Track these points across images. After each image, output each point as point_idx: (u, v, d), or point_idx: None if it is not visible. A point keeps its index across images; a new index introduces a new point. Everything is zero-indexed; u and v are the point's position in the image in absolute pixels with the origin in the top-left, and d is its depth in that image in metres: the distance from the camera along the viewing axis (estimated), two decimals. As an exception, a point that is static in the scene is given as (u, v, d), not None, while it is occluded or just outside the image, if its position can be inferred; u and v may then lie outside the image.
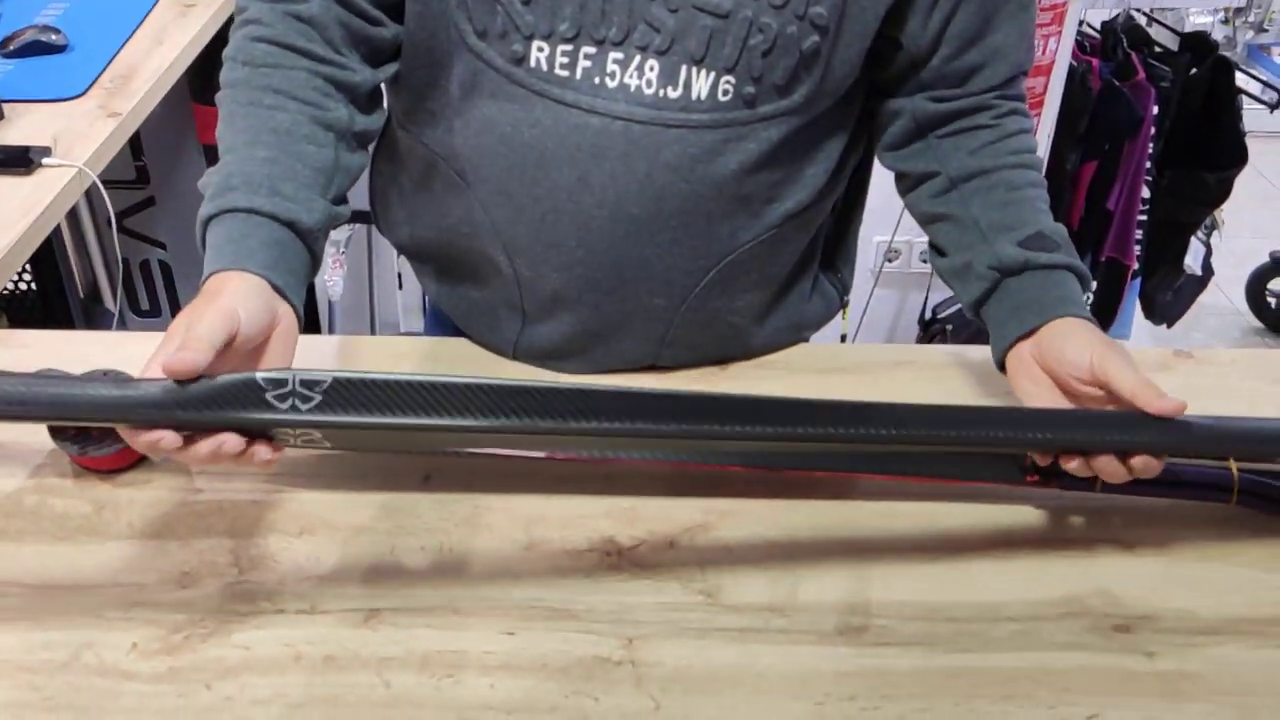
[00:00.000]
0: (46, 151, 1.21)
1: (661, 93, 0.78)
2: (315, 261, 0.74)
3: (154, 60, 1.45)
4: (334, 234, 1.80)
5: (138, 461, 0.79)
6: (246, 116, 0.75)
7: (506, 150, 0.82)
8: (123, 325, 1.89)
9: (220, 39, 1.73)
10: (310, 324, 2.20)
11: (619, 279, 0.85)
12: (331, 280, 1.76)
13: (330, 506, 0.77)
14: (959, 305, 2.20)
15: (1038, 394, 0.76)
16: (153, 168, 2.01)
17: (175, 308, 2.21)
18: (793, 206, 0.86)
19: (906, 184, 0.89)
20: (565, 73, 0.78)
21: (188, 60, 1.52)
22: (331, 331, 1.89)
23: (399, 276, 2.04)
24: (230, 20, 0.81)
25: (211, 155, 1.97)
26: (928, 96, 0.84)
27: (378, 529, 0.76)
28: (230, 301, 0.65)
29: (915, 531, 0.77)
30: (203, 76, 1.84)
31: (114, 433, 0.77)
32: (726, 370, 0.93)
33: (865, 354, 0.97)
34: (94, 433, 0.77)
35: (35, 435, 0.79)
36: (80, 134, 1.27)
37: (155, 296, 2.19)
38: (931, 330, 2.17)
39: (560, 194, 0.81)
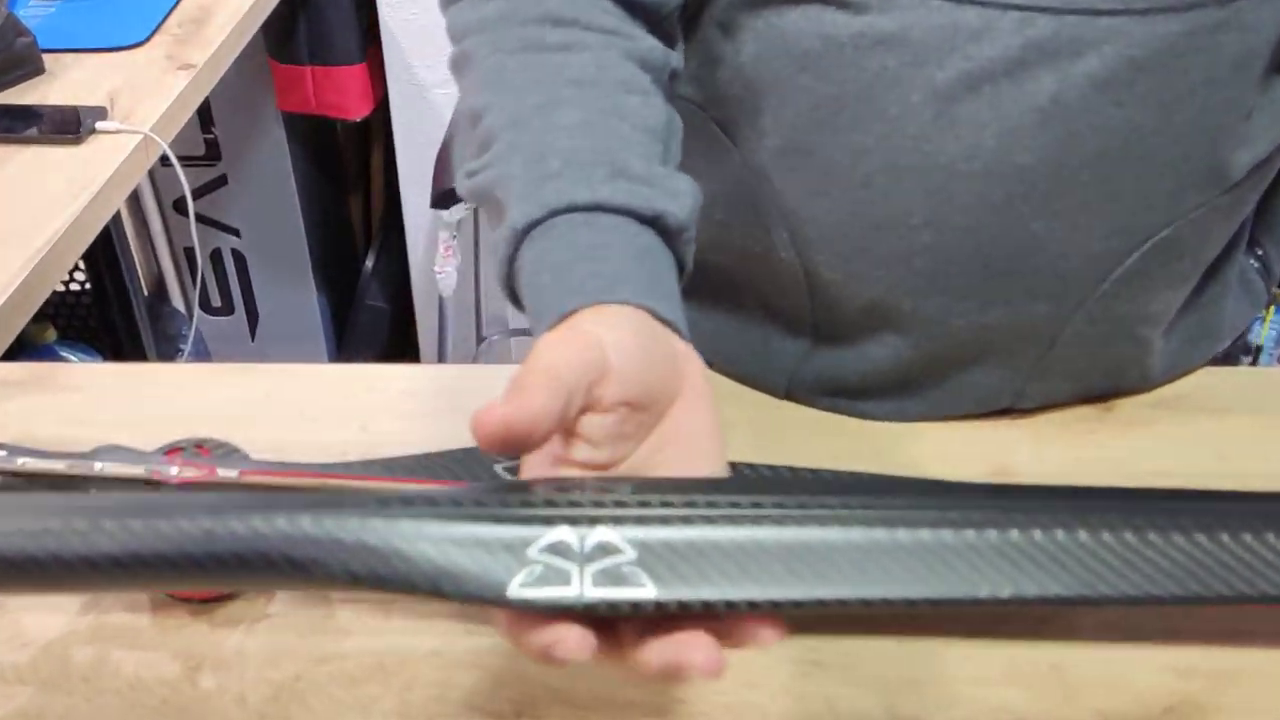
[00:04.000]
0: (101, 113, 1.03)
1: None
2: (683, 273, 0.47)
3: (231, 1, 1.24)
4: (445, 214, 1.51)
5: (249, 585, 0.50)
6: (524, 66, 0.50)
7: (811, 80, 0.52)
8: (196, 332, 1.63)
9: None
10: (408, 324, 1.93)
11: (984, 273, 0.55)
12: (443, 272, 1.46)
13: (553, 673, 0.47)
14: None
15: None
16: (224, 140, 1.75)
17: (250, 303, 1.96)
18: (1261, 152, 0.54)
19: None
20: None
21: (272, 2, 1.31)
22: (442, 335, 1.60)
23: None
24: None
25: (294, 125, 1.74)
26: None
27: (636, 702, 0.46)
28: (593, 328, 0.40)
29: None
30: (283, 30, 1.58)
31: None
32: (1112, 412, 0.62)
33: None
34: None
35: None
36: (144, 91, 1.08)
37: (228, 291, 1.95)
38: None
39: (902, 141, 0.51)
